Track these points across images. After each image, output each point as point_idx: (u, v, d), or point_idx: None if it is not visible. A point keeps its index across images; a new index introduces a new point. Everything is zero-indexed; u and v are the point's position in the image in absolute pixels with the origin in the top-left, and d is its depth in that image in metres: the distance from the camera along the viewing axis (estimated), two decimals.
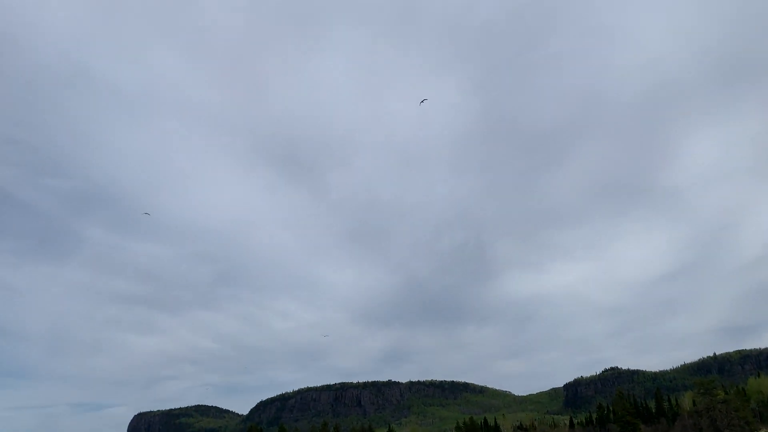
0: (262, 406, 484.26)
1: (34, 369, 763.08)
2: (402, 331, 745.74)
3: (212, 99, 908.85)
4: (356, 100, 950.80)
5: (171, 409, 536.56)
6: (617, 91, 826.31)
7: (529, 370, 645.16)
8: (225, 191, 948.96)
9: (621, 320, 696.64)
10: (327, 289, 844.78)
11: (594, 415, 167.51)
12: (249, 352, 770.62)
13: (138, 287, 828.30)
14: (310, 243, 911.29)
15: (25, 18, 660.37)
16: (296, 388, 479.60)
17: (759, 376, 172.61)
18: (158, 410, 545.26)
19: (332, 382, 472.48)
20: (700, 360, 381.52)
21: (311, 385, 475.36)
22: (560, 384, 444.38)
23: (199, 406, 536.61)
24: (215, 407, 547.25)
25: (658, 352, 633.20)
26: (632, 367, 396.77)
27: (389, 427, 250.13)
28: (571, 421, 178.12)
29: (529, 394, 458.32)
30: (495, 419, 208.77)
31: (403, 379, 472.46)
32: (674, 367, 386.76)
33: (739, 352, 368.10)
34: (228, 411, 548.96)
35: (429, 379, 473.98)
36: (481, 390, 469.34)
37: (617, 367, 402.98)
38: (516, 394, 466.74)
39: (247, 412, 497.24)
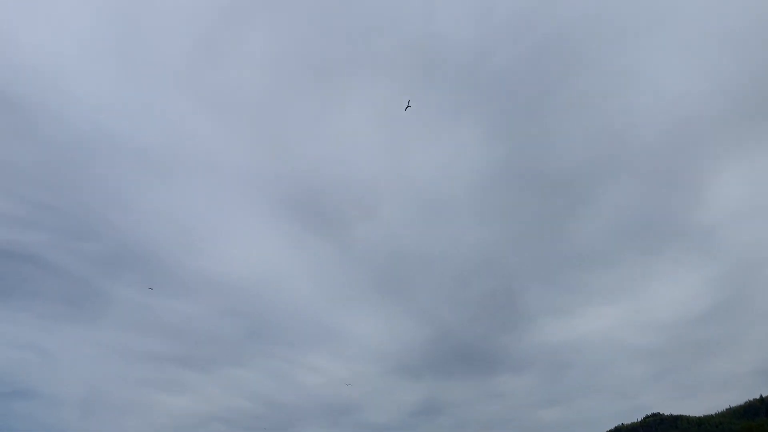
0: None
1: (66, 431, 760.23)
2: (434, 382, 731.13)
3: (236, 155, 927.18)
4: (379, 151, 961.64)
5: None
6: (641, 130, 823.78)
7: (568, 419, 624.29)
8: (252, 246, 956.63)
9: (659, 363, 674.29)
10: (356, 341, 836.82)
11: None
12: (280, 409, 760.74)
13: (168, 346, 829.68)
14: (337, 295, 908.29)
15: (57, 88, 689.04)
16: None
17: None
18: None
19: None
20: (746, 403, 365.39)
21: None
22: None
23: None
24: None
25: (701, 396, 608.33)
26: (675, 413, 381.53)
27: None
28: None
29: None
30: None
31: None
32: (719, 411, 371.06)
33: None
34: None
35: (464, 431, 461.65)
36: None
37: (659, 413, 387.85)
38: None
39: None
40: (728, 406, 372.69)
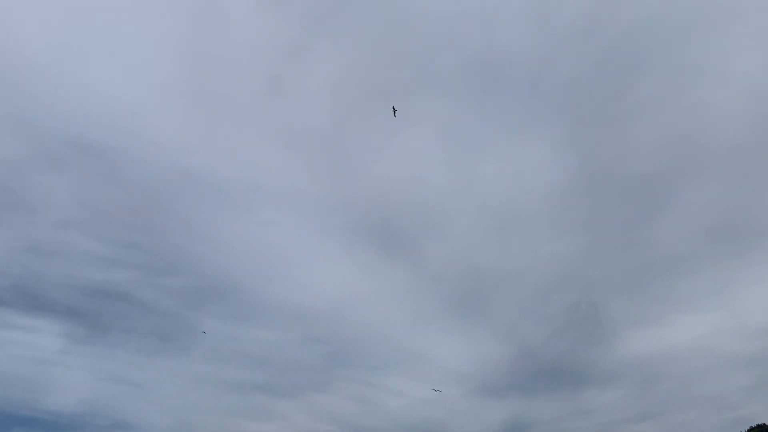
0: None
1: None
2: (520, 400, 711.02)
3: (308, 185, 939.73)
4: (446, 169, 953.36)
5: None
6: (718, 127, 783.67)
7: None
8: (328, 274, 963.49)
9: (761, 371, 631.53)
10: (437, 362, 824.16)
11: None
12: None
13: (254, 374, 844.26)
14: (414, 317, 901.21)
15: (136, 134, 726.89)
16: None
17: None
18: None
19: None
20: None
21: None
22: None
23: None
24: None
25: None
26: None
27: None
28: None
29: None
30: None
31: None
32: None
33: None
34: None
35: None
36: None
37: (765, 423, 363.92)
38: None
39: None
40: None
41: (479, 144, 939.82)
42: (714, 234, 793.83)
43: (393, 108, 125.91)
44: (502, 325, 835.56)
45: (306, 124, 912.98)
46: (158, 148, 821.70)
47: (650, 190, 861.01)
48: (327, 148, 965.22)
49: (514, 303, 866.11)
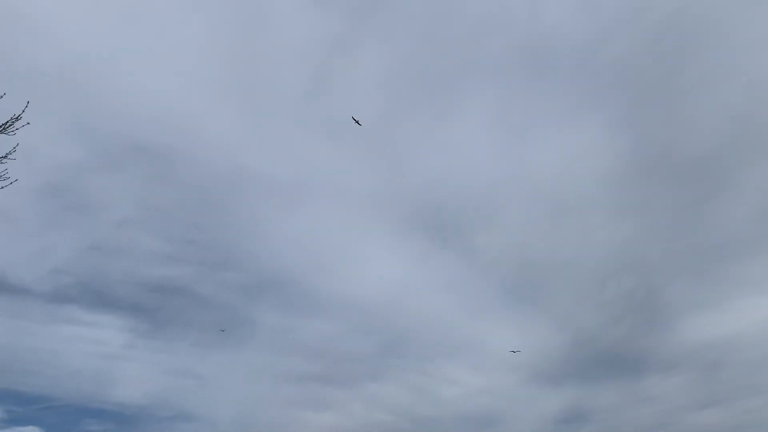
0: None
1: None
2: (577, 389, 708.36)
3: (358, 178, 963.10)
4: (496, 156, 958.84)
5: None
6: None
7: (730, 421, 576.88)
8: (380, 264, 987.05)
9: None
10: (491, 351, 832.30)
11: None
12: (422, 422, 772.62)
13: (310, 365, 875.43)
14: (468, 306, 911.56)
15: (189, 133, 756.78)
16: None
17: None
18: None
19: None
20: None
21: None
22: None
23: None
24: None
25: None
26: None
27: None
28: None
29: None
30: None
31: None
32: None
33: None
34: None
35: None
36: None
37: None
38: None
39: None
40: None
41: (530, 129, 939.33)
42: None
43: (354, 119, 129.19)
44: (558, 312, 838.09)
45: (355, 116, 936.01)
46: (210, 146, 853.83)
47: (708, 171, 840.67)
48: (375, 140, 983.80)
49: (568, 290, 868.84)
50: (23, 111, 22.16)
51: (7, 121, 22.12)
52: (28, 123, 21.80)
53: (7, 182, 21.93)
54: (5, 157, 21.98)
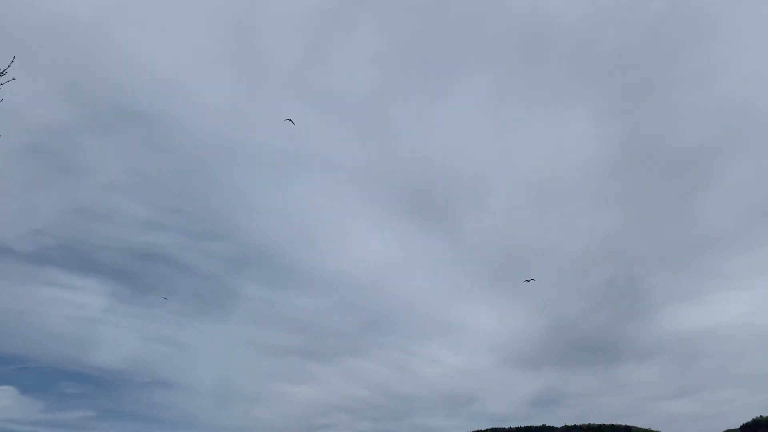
0: None
1: (202, 419, 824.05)
2: (553, 373, 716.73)
3: (349, 154, 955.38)
4: (487, 140, 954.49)
5: None
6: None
7: (699, 411, 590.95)
8: (367, 242, 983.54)
9: None
10: (472, 333, 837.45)
11: None
12: (399, 399, 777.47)
13: (292, 339, 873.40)
14: (451, 287, 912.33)
15: (182, 101, 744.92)
16: None
17: None
18: None
19: (483, 428, 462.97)
20: None
21: (462, 431, 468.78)
22: (736, 425, 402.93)
23: None
24: None
25: None
26: None
27: None
28: None
29: None
30: None
31: (558, 423, 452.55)
32: None
33: None
34: None
35: (586, 422, 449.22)
36: None
37: None
38: None
39: None
40: None
41: (522, 115, 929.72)
42: (760, 211, 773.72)
43: (290, 120, 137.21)
44: (539, 297, 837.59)
45: (348, 92, 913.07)
46: (202, 115, 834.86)
47: (696, 164, 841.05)
48: (368, 117, 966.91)
49: (551, 276, 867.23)
50: (8, 66, 20.97)
51: None
52: (13, 79, 20.96)
53: None
54: None
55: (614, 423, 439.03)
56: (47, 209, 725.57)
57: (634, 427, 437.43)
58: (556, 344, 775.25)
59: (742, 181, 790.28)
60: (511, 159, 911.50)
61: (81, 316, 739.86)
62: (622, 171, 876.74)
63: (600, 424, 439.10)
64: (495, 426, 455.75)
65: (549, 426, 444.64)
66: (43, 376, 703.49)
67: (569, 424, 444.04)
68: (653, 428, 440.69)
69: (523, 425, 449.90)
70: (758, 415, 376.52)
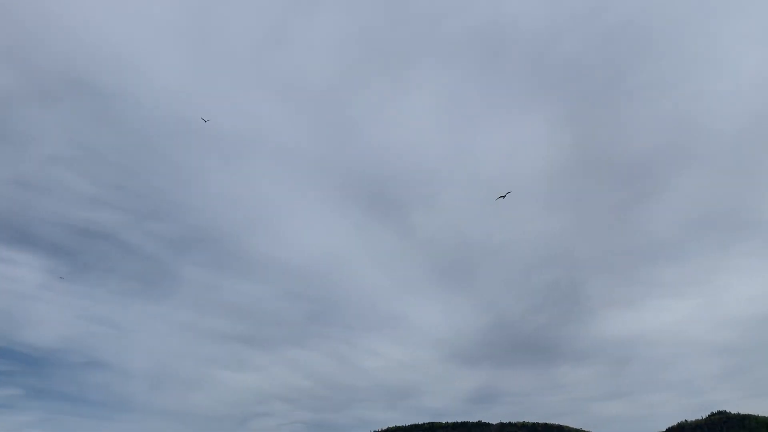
0: None
1: (137, 403, 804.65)
2: (492, 370, 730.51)
3: (303, 141, 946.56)
4: (442, 138, 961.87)
5: None
6: (716, 118, 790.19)
7: (630, 413, 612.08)
8: (316, 231, 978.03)
9: (730, 361, 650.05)
10: (415, 327, 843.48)
11: None
12: (340, 390, 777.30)
13: (233, 325, 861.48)
14: (398, 281, 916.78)
15: (135, 76, 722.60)
16: (385, 427, 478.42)
17: None
18: None
19: (421, 422, 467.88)
20: None
21: (400, 424, 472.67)
22: (662, 428, 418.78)
23: None
24: None
25: None
26: (743, 411, 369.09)
27: None
28: None
29: None
30: None
31: (494, 420, 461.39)
32: None
33: None
34: None
35: (521, 420, 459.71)
36: None
37: (726, 411, 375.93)
38: None
39: None
40: None
41: (478, 115, 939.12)
42: (702, 223, 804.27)
43: (203, 119, 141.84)
44: (484, 295, 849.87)
45: (307, 81, 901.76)
46: (155, 91, 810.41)
47: (643, 174, 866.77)
48: (326, 107, 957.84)
49: (497, 275, 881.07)
50: None
51: None
52: None
53: None
54: None
55: (548, 422, 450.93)
56: None
57: (566, 426, 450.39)
58: (497, 342, 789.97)
59: (684, 194, 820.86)
60: (465, 158, 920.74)
61: (13, 291, 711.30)
62: (572, 177, 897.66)
63: (534, 423, 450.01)
64: (433, 420, 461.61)
65: (485, 422, 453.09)
66: None
67: (504, 422, 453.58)
68: (585, 428, 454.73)
69: (460, 421, 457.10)
70: (683, 420, 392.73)
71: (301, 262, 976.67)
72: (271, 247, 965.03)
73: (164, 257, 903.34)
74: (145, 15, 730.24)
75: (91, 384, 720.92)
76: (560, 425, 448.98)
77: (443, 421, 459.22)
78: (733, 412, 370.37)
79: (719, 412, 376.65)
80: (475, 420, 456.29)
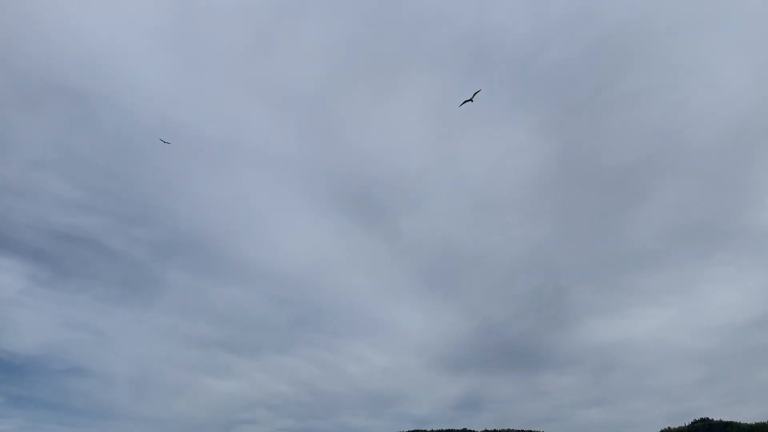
0: None
1: (119, 410, 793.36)
2: (477, 377, 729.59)
3: (288, 147, 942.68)
4: (429, 145, 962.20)
5: None
6: (698, 128, 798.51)
7: (612, 420, 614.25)
8: (301, 236, 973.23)
9: (712, 368, 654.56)
10: (400, 333, 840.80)
11: None
12: (323, 396, 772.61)
13: (217, 331, 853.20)
14: (383, 287, 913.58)
15: (118, 80, 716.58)
16: None
17: None
18: None
19: (406, 429, 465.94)
20: None
21: (385, 431, 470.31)
22: None
23: None
24: None
25: (755, 403, 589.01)
26: (725, 419, 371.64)
27: None
28: None
29: None
30: None
31: (479, 428, 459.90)
32: None
33: None
34: None
35: (506, 428, 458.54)
36: None
37: (708, 418, 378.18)
38: None
39: None
40: None
41: (464, 123, 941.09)
42: (683, 232, 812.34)
43: (162, 140, 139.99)
44: (468, 302, 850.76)
45: (293, 86, 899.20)
46: (139, 95, 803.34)
47: (627, 183, 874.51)
48: (313, 112, 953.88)
49: (481, 282, 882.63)
50: None
51: None
52: None
53: None
54: None
55: (532, 429, 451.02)
56: None
57: None
58: (481, 349, 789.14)
59: (666, 203, 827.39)
60: (451, 165, 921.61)
61: None
62: (556, 184, 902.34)
63: (519, 430, 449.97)
64: (418, 428, 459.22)
65: (470, 430, 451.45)
66: None
67: (489, 429, 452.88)
68: None
69: (445, 428, 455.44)
70: (666, 427, 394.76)
71: (286, 268, 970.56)
72: (256, 253, 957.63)
73: (148, 262, 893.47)
74: (129, 18, 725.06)
75: (73, 391, 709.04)
76: None
77: (428, 429, 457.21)
78: (715, 419, 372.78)
79: (702, 419, 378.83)
80: (460, 427, 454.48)
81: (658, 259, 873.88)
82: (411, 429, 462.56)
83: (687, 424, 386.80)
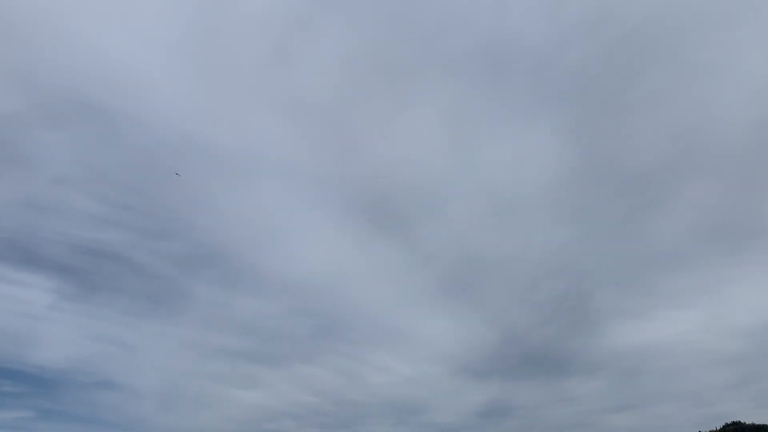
0: None
1: (145, 423, 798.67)
2: (501, 384, 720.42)
3: (308, 158, 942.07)
4: (448, 152, 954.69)
5: None
6: (722, 126, 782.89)
7: (641, 425, 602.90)
8: (322, 247, 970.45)
9: (743, 370, 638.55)
10: (423, 342, 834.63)
11: None
12: (347, 406, 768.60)
13: (241, 342, 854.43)
14: (404, 296, 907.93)
15: (140, 97, 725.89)
16: None
17: None
18: None
19: None
20: None
21: None
22: None
23: None
24: None
25: None
26: (757, 422, 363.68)
27: None
28: None
29: None
30: None
31: None
32: None
33: None
34: None
35: None
36: None
37: (740, 421, 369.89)
38: None
39: None
40: None
41: (482, 128, 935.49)
42: (709, 233, 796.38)
43: (177, 174, 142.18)
44: (491, 309, 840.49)
45: (311, 97, 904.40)
46: (160, 111, 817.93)
47: (649, 185, 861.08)
48: (330, 123, 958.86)
49: (504, 288, 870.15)
50: None
51: None
52: None
53: None
54: None
55: None
56: None
57: None
58: (505, 355, 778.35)
59: (689, 204, 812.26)
60: (470, 171, 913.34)
61: (23, 312, 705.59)
62: (578, 188, 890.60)
63: None
64: None
65: None
66: None
67: None
68: None
69: None
70: (697, 431, 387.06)
71: (308, 279, 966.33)
72: (278, 264, 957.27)
73: (172, 276, 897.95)
74: (149, 34, 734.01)
75: (102, 404, 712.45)
76: None
77: None
78: (747, 422, 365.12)
79: (733, 423, 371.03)
80: None
81: (683, 261, 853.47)
82: None
83: (718, 427, 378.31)
